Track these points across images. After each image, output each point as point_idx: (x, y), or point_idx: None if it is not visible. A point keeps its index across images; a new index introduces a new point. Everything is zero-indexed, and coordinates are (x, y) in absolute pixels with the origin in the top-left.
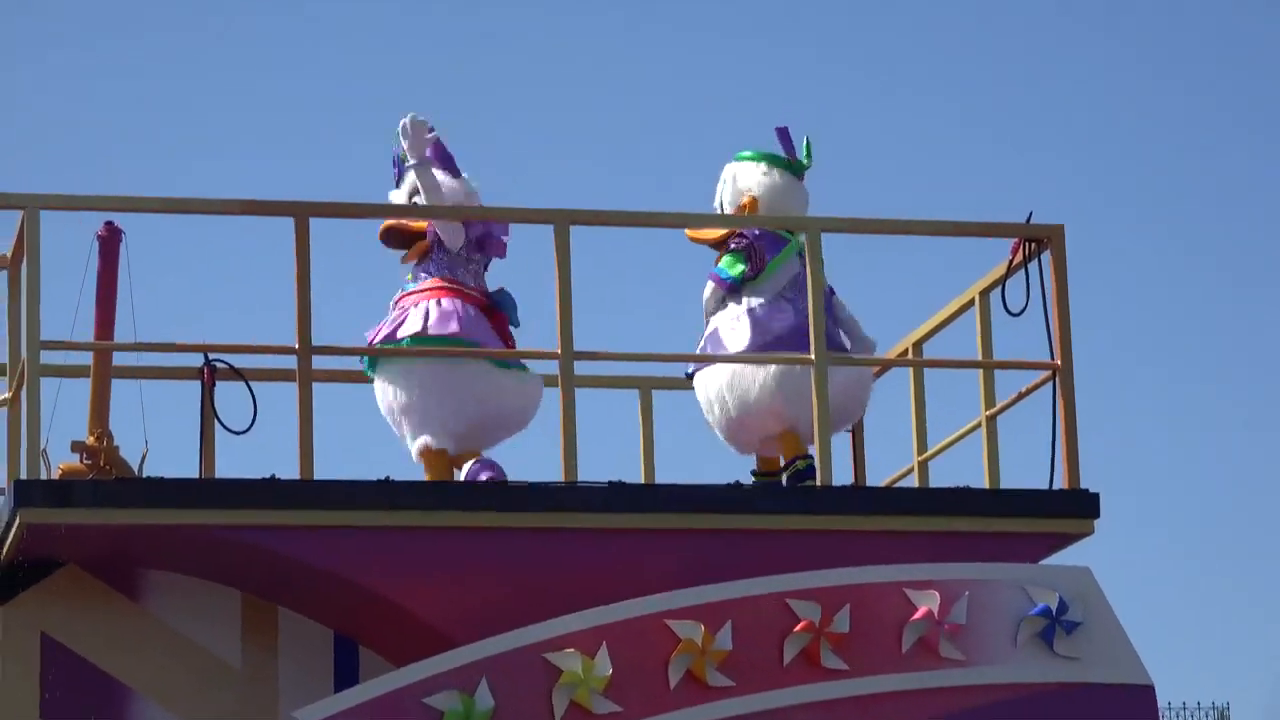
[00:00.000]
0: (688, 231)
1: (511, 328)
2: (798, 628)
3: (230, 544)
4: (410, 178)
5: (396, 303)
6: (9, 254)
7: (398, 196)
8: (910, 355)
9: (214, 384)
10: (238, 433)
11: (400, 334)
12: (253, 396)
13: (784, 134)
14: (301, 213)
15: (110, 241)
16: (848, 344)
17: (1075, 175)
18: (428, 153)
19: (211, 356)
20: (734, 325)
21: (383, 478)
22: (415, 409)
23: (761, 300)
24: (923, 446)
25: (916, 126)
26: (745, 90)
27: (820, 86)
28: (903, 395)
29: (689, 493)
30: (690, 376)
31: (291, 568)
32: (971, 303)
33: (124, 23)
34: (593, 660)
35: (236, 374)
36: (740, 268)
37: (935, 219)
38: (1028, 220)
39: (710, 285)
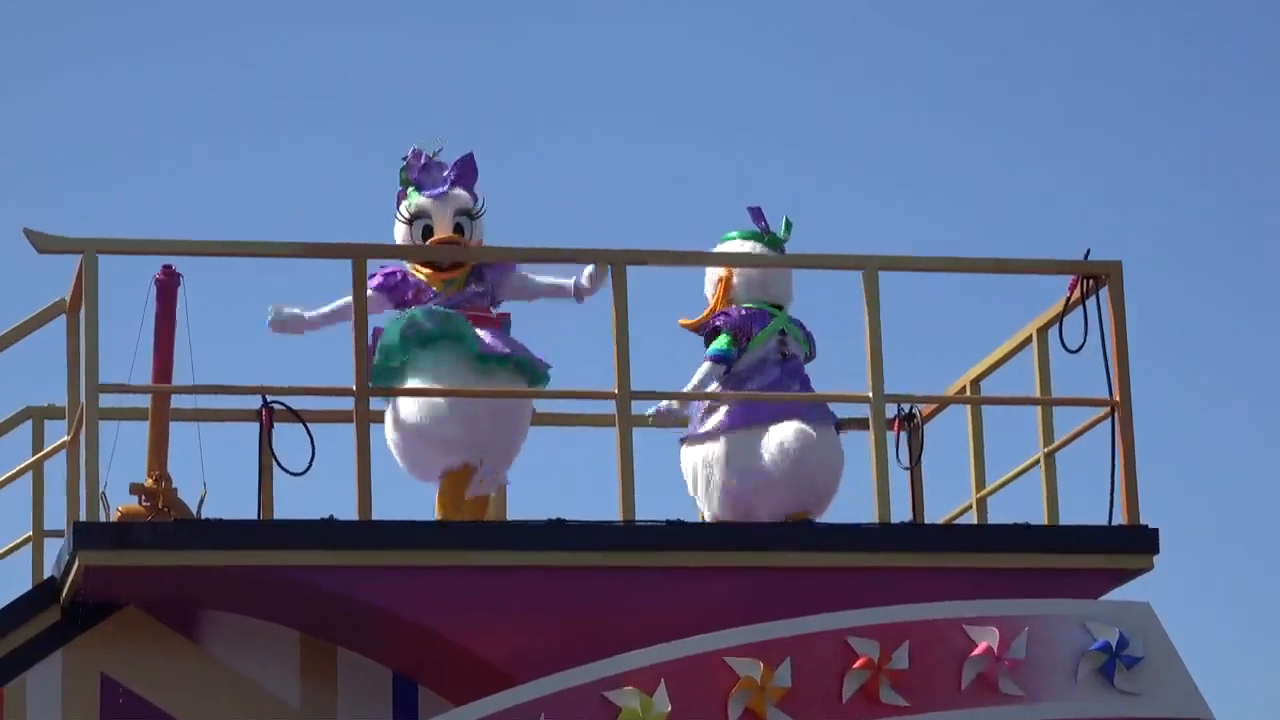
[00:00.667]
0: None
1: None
2: (857, 664)
3: (289, 585)
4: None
5: None
6: (68, 298)
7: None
8: (968, 392)
9: (272, 426)
10: (296, 474)
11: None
12: (310, 438)
13: (757, 212)
14: (359, 255)
15: (168, 285)
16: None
17: (1133, 211)
18: (448, 178)
19: (269, 398)
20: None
21: (440, 518)
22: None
23: (745, 372)
24: (981, 483)
25: (971, 162)
26: (792, 120)
27: (873, 122)
28: (960, 432)
29: (747, 530)
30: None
31: (350, 608)
32: (1029, 339)
33: (179, 67)
34: (652, 698)
35: (294, 415)
36: (730, 344)
37: (992, 256)
38: (1085, 257)
39: (706, 366)
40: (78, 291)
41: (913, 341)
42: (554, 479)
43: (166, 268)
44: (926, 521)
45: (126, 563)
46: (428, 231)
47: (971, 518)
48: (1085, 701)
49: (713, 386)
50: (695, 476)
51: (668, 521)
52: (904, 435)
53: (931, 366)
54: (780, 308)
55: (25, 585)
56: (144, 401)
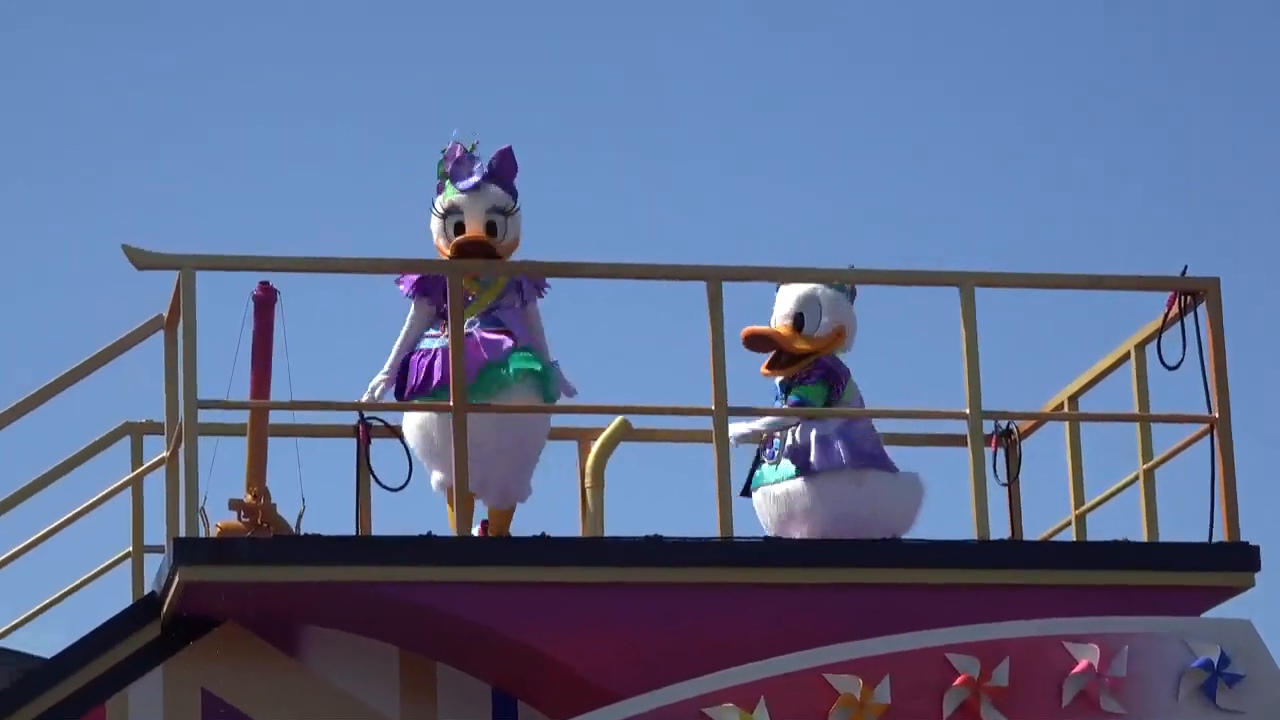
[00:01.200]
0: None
1: None
2: (957, 682)
3: (388, 601)
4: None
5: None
6: (165, 314)
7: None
8: (1066, 409)
9: (369, 441)
10: (393, 490)
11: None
12: (407, 453)
13: None
14: (455, 271)
15: (266, 301)
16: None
17: (1230, 227)
18: (482, 171)
19: (366, 415)
20: (825, 447)
21: (539, 534)
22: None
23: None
24: (1080, 500)
25: (1068, 177)
26: (879, 132)
27: (966, 136)
28: (1056, 449)
29: (846, 547)
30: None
31: (449, 624)
32: (1127, 356)
33: (276, 88)
34: (751, 714)
35: (391, 432)
36: (824, 394)
37: (1089, 273)
38: (1183, 274)
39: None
40: (175, 308)
41: (1009, 358)
42: (648, 495)
43: (264, 284)
44: (1025, 538)
45: (226, 578)
46: (459, 228)
47: (1070, 534)
48: (1187, 719)
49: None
50: (768, 517)
51: (765, 538)
52: (1001, 452)
53: (1028, 383)
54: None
55: (125, 600)
56: (241, 417)
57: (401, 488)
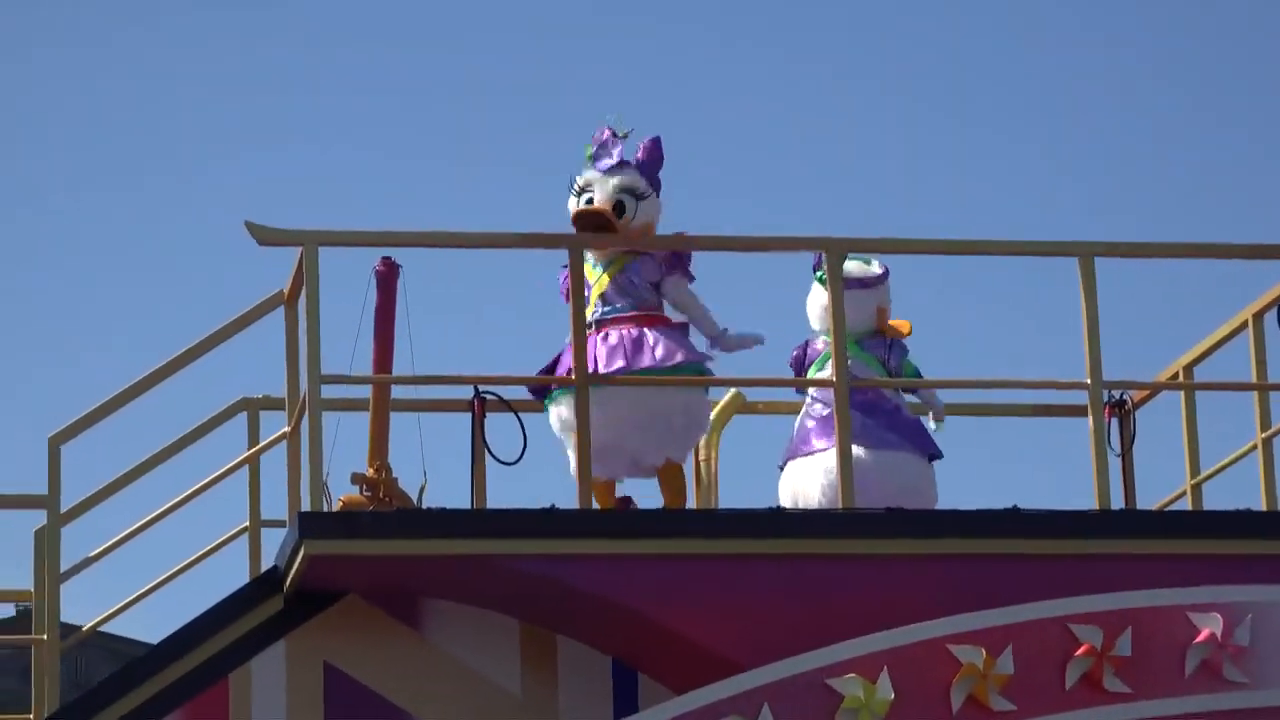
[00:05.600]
0: (893, 323)
1: None
2: (1080, 651)
3: (512, 573)
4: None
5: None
6: (286, 290)
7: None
8: (1181, 378)
9: (484, 415)
10: (508, 463)
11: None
12: (522, 427)
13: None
14: (575, 245)
15: (388, 276)
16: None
17: None
18: (621, 155)
19: (481, 388)
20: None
21: (661, 506)
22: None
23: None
24: (1195, 469)
25: (1184, 147)
26: (1007, 105)
27: (1075, 116)
28: (1167, 419)
29: (967, 518)
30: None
31: (574, 597)
32: (1244, 325)
33: (401, 73)
34: (874, 685)
35: (506, 405)
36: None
37: (1204, 241)
38: None
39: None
40: (297, 284)
41: (1122, 328)
42: (768, 468)
43: (386, 259)
44: (1138, 508)
45: (351, 552)
46: (589, 205)
47: (1185, 504)
48: None
49: None
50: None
51: (887, 509)
52: (1114, 422)
53: (1144, 351)
54: None
55: (242, 575)
56: (361, 392)
57: (516, 461)
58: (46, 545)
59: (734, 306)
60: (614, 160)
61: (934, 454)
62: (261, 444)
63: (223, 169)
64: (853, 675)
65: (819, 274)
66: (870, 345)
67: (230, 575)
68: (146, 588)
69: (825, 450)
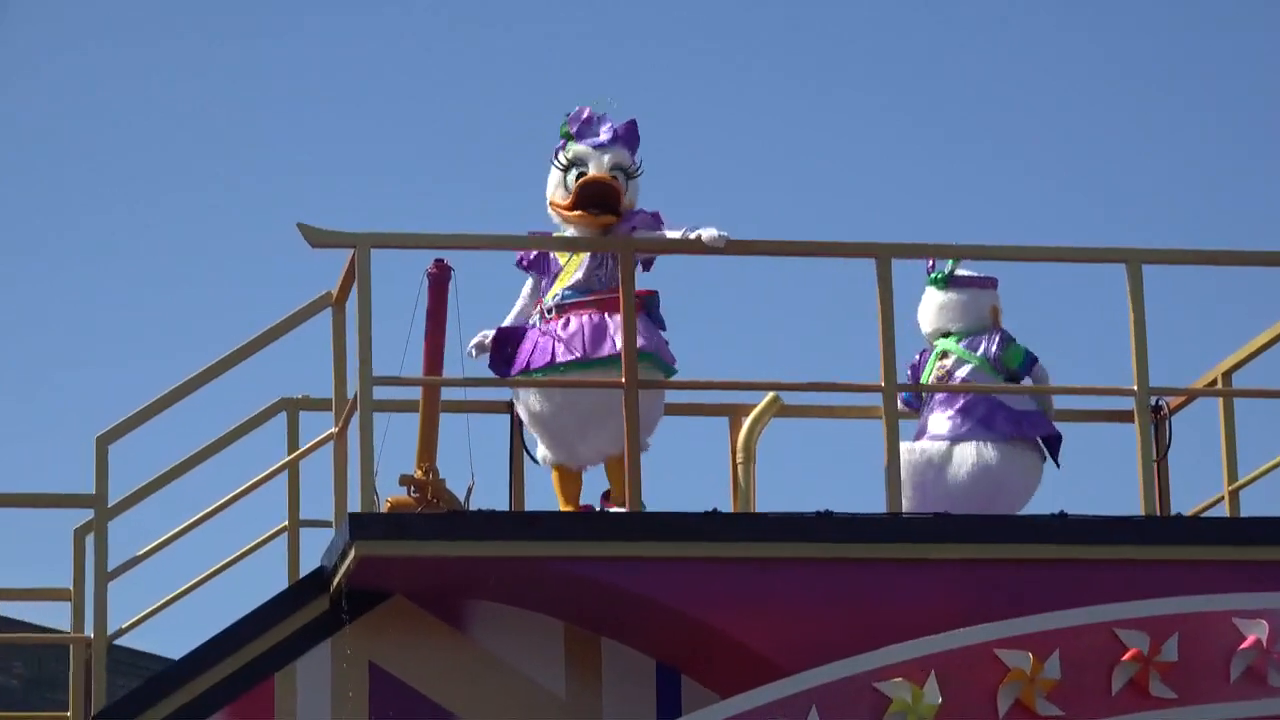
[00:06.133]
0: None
1: None
2: (1126, 657)
3: (559, 576)
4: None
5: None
6: (334, 292)
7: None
8: (1219, 385)
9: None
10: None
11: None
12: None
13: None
14: (627, 248)
15: (440, 278)
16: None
17: None
18: (612, 131)
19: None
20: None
21: (710, 509)
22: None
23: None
24: (1233, 476)
25: (1221, 157)
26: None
27: (1119, 119)
28: (1211, 425)
29: (1014, 523)
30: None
31: (621, 599)
32: None
33: (450, 73)
34: (922, 689)
35: None
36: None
37: (1245, 249)
38: None
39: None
40: (346, 285)
41: (1165, 334)
42: (813, 471)
43: (439, 261)
44: (1172, 514)
45: (402, 553)
46: (581, 179)
47: (1222, 510)
48: None
49: None
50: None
51: (934, 514)
52: (1151, 428)
53: (1182, 357)
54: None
55: (281, 575)
56: (408, 394)
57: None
58: (95, 543)
59: (779, 310)
60: (603, 137)
61: (1038, 439)
62: (308, 445)
63: (260, 171)
64: (900, 679)
65: (932, 276)
66: (972, 341)
67: (272, 574)
68: (187, 585)
69: (935, 438)
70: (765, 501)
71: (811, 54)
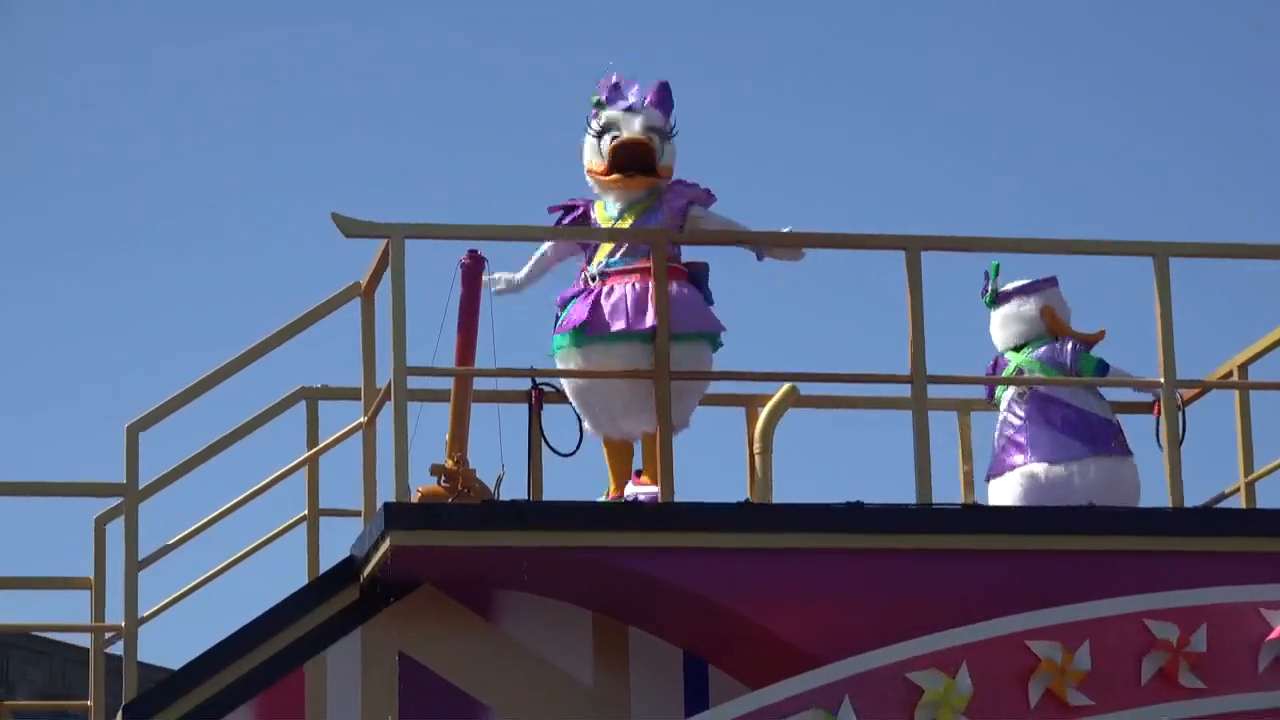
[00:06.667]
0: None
1: None
2: (1155, 647)
3: (591, 565)
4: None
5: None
6: (363, 282)
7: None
8: (1235, 377)
9: (541, 407)
10: (565, 454)
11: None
12: (578, 419)
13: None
14: (660, 240)
15: (473, 269)
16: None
17: None
18: (641, 93)
19: (539, 380)
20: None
21: (742, 499)
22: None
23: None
24: (1249, 467)
25: (1231, 149)
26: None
27: (1148, 115)
28: (1227, 417)
29: (1044, 515)
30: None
31: (651, 589)
32: None
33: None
34: (954, 679)
35: (563, 397)
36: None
37: (1267, 243)
38: None
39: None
40: (376, 275)
41: (1185, 326)
42: (845, 461)
43: (472, 252)
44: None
45: (436, 543)
46: (615, 141)
47: (1237, 501)
48: None
49: None
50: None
51: (964, 505)
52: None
53: (1198, 350)
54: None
55: (300, 564)
56: (434, 384)
57: (572, 453)
58: (125, 531)
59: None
60: (633, 100)
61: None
62: (335, 435)
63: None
64: (932, 669)
65: (985, 300)
66: (1041, 352)
67: (292, 564)
68: (209, 574)
69: (1021, 465)
70: (780, 492)
71: (836, 53)
